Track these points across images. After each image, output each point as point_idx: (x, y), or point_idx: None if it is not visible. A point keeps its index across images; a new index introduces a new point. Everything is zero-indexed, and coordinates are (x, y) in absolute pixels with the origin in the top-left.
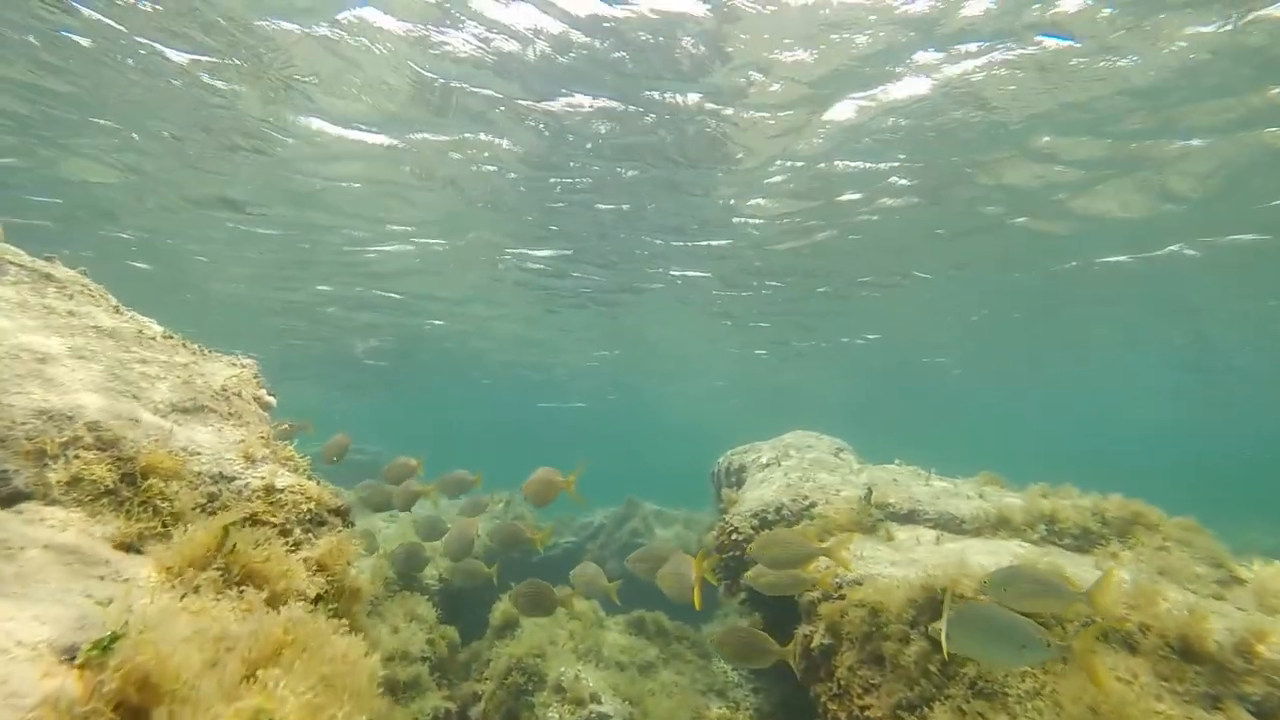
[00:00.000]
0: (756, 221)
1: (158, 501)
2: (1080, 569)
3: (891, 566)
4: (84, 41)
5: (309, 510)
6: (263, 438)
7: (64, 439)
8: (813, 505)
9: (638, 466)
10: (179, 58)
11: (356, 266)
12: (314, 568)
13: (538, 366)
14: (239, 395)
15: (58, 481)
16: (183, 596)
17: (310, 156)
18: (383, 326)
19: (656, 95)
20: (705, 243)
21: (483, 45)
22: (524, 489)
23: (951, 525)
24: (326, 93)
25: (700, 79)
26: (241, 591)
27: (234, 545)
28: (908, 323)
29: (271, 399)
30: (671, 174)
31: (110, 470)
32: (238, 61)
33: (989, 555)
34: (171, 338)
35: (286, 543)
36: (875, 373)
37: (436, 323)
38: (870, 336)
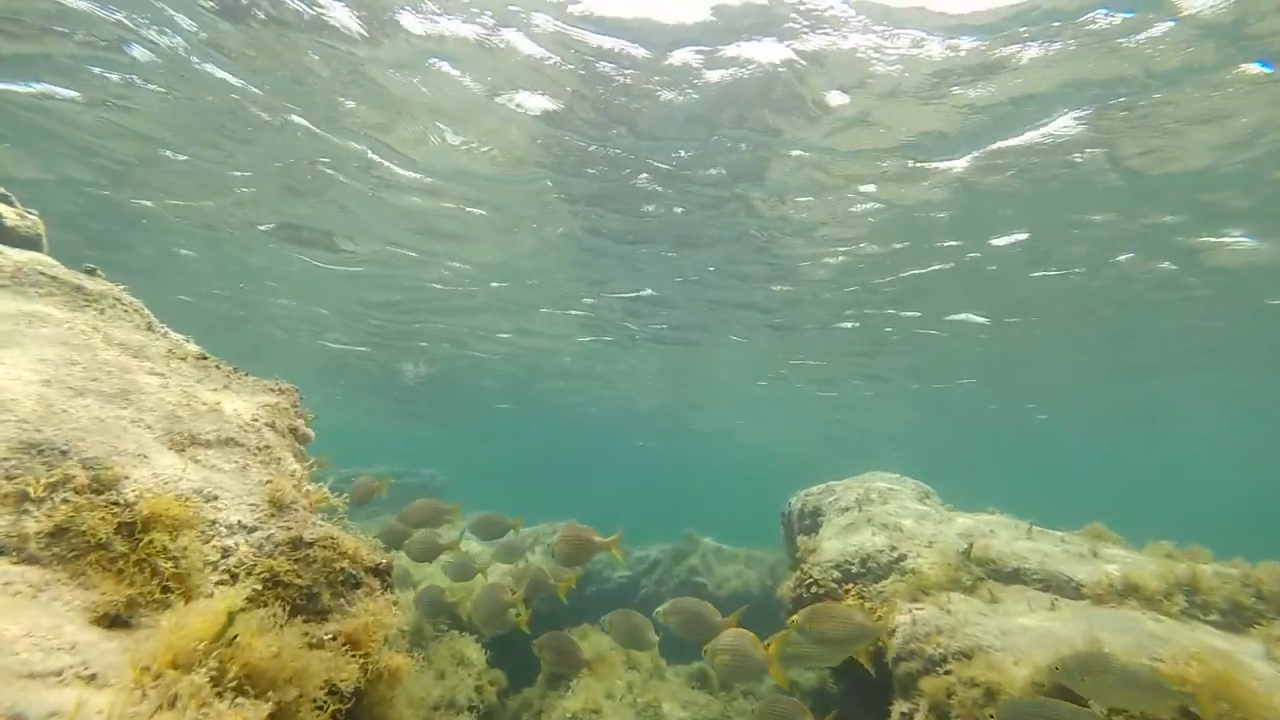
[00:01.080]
0: (833, 261)
1: (159, 560)
2: (1251, 659)
3: (1002, 637)
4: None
5: (342, 570)
6: (295, 478)
7: (52, 479)
8: (902, 558)
9: (692, 502)
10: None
11: (433, 300)
12: (343, 645)
13: (598, 401)
14: (272, 427)
15: (37, 533)
16: (153, 716)
17: (421, 188)
18: (441, 355)
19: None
20: (775, 287)
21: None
22: (554, 546)
23: (1066, 589)
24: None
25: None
26: (237, 702)
27: (235, 636)
28: (1004, 368)
29: (310, 431)
30: (747, 225)
31: (105, 519)
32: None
33: (1120, 632)
34: (206, 358)
35: (312, 613)
36: (952, 413)
37: (497, 354)
38: (965, 381)
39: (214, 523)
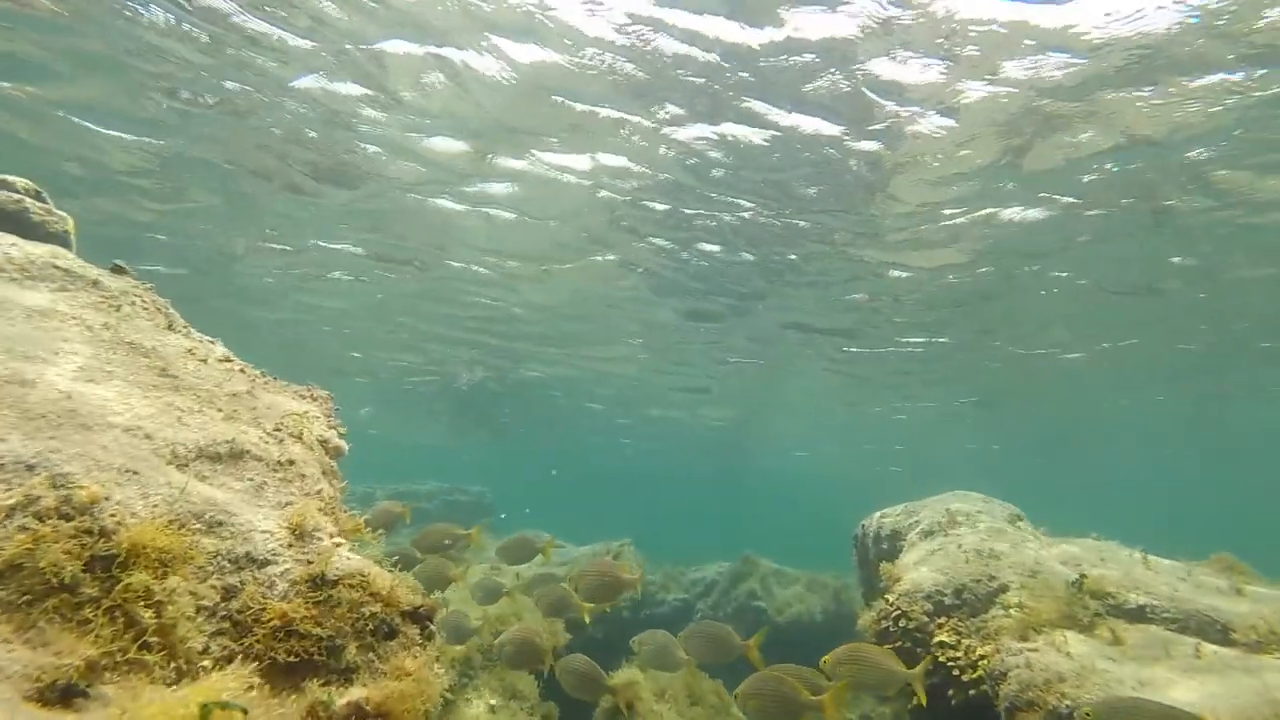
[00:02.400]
0: (904, 275)
1: (137, 607)
2: None
3: (1140, 689)
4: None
5: (373, 616)
6: (322, 499)
7: (10, 501)
8: (1003, 589)
9: (744, 522)
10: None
11: (496, 316)
12: (368, 717)
13: (650, 420)
14: (298, 438)
15: None
16: None
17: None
18: (498, 368)
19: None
20: (850, 296)
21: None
22: (578, 580)
23: (1208, 631)
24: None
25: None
26: None
27: None
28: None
29: (342, 444)
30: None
31: (72, 552)
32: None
33: None
34: (230, 361)
35: (333, 672)
36: (1022, 435)
37: (556, 374)
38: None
39: (216, 555)
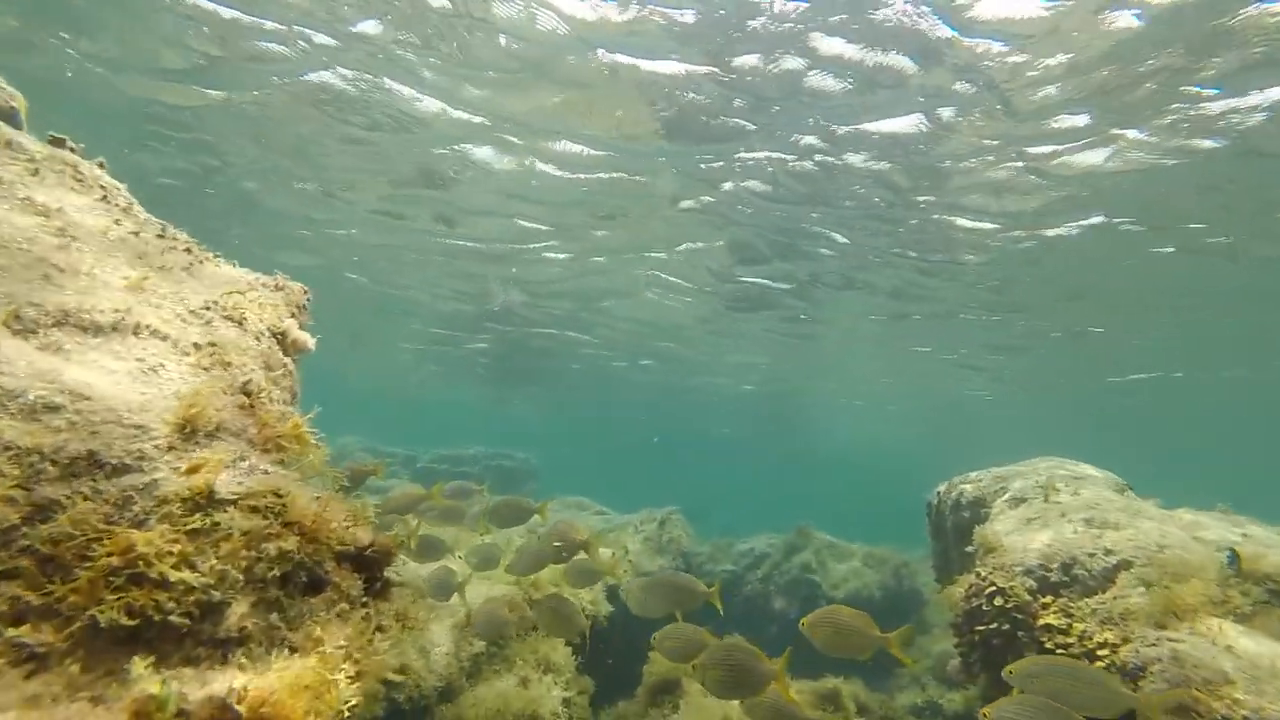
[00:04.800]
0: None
1: None
2: None
3: None
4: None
5: (284, 556)
6: (247, 392)
7: None
8: (1125, 565)
9: (797, 496)
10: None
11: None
12: None
13: (695, 387)
14: (236, 322)
15: None
16: None
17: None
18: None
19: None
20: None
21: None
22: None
23: None
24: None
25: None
26: None
27: None
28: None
29: (307, 339)
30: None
31: None
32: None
33: None
34: (177, 240)
35: (204, 644)
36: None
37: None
38: (1136, 376)
39: (28, 453)
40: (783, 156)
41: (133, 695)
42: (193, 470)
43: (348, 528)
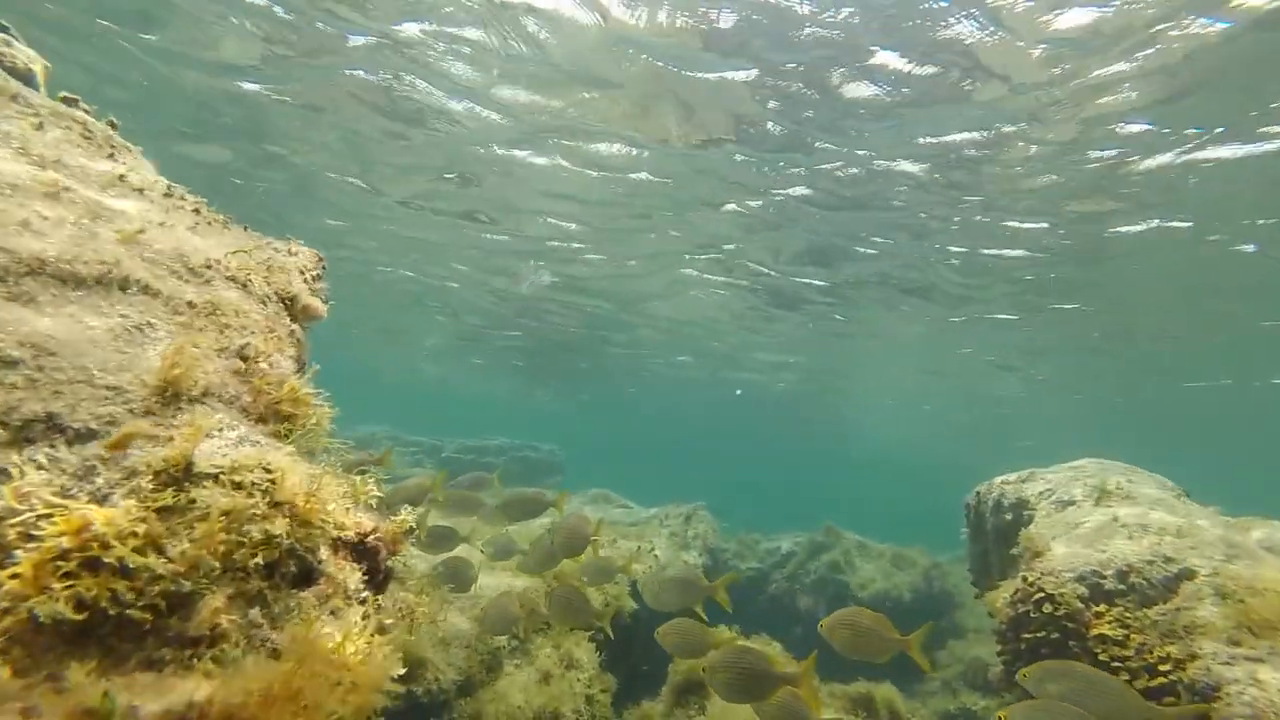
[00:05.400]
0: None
1: None
2: None
3: None
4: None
5: (269, 540)
6: (242, 357)
7: None
8: (1190, 573)
9: (822, 493)
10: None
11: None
12: None
13: (725, 382)
14: (240, 284)
15: None
16: None
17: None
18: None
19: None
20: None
21: None
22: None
23: None
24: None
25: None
26: None
27: None
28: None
29: (318, 305)
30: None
31: None
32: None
33: None
34: (186, 199)
35: (167, 644)
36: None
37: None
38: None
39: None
40: (832, 165)
41: (67, 708)
42: (168, 440)
43: (348, 510)
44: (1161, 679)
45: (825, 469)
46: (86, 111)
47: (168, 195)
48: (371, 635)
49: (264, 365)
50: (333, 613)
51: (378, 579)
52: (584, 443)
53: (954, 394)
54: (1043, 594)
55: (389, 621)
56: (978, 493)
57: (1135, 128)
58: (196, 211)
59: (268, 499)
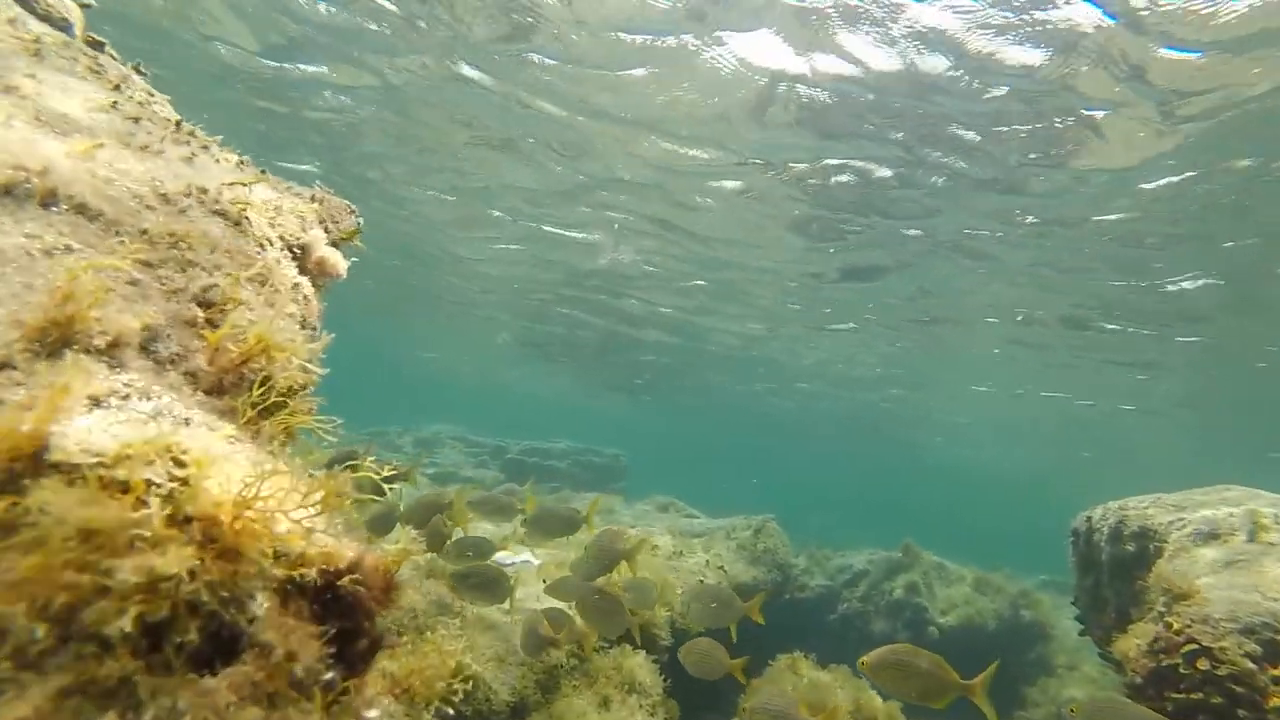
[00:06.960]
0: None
1: None
2: None
3: None
4: None
5: (154, 584)
6: (201, 303)
7: None
8: None
9: (897, 506)
10: None
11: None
12: None
13: (795, 393)
14: (233, 221)
15: None
16: None
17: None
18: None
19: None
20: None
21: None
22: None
23: None
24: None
25: None
26: None
27: None
28: None
29: (335, 260)
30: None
31: None
32: None
33: None
34: (195, 135)
35: None
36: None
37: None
38: None
39: None
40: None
41: None
42: (26, 409)
43: (311, 532)
44: None
45: (901, 480)
46: (113, 57)
47: (175, 129)
48: None
49: (238, 319)
50: (263, 711)
51: (356, 651)
52: (647, 448)
53: (1045, 404)
54: (1196, 646)
55: (373, 715)
56: (1088, 518)
57: None
58: (206, 148)
59: (169, 510)
